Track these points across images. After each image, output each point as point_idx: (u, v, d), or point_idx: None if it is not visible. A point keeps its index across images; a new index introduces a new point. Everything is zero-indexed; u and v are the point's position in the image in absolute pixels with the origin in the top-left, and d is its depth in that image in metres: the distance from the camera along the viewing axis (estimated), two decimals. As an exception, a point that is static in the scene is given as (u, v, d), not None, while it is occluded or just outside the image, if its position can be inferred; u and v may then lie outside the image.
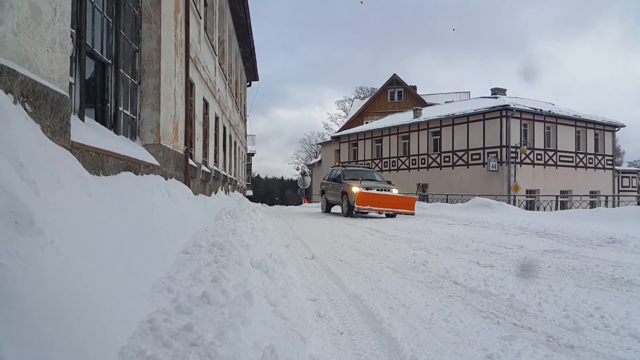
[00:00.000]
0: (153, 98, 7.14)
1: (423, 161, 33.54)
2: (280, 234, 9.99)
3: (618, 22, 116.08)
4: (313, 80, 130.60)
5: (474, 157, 29.63)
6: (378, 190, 16.41)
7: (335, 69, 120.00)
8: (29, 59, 3.27)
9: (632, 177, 37.37)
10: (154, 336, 2.26)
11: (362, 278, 5.41)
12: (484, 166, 28.56)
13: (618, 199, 25.89)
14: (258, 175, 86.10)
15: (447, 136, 31.65)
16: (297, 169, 55.78)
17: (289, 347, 2.55)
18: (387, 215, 16.57)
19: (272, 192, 79.91)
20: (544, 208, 23.22)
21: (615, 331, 3.49)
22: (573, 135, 30.88)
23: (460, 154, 30.59)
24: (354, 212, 16.45)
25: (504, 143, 27.69)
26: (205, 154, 13.03)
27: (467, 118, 30.01)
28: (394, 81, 50.62)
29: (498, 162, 27.71)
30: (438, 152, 32.31)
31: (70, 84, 4.67)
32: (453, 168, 31.09)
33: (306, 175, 43.99)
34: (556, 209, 22.28)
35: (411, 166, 34.58)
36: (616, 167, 34.71)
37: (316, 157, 58.23)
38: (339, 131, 49.47)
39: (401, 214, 16.34)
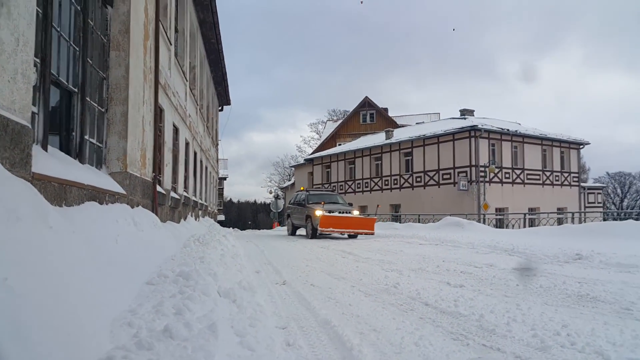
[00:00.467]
0: (120, 126, 7.07)
1: (395, 182, 33.81)
2: (251, 260, 9.89)
3: (581, 44, 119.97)
4: (287, 104, 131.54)
5: (445, 176, 30.03)
6: (340, 212, 17.39)
7: (308, 92, 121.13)
8: (-13, 90, 3.22)
9: (598, 193, 38.28)
10: (113, 374, 2.20)
11: (333, 303, 5.37)
12: (454, 185, 28.95)
13: (584, 215, 26.44)
14: (230, 199, 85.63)
15: (418, 157, 32.04)
16: (270, 192, 55.70)
17: (255, 379, 2.51)
18: (349, 236, 17.58)
19: (244, 216, 79.44)
20: (513, 226, 23.57)
21: (581, 349, 3.53)
22: (539, 154, 31.59)
23: (431, 174, 30.96)
24: (317, 234, 17.27)
25: (473, 162, 28.17)
26: (174, 180, 12.91)
27: (437, 139, 30.48)
28: (366, 103, 51.26)
29: (468, 182, 28.13)
30: (410, 173, 32.64)
31: (34, 113, 4.59)
32: (425, 188, 31.42)
33: (279, 199, 43.85)
34: (524, 226, 22.66)
35: (384, 187, 34.81)
36: (582, 184, 35.55)
37: (289, 180, 58.19)
38: (312, 153, 49.63)
39: (362, 234, 17.25)
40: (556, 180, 32.41)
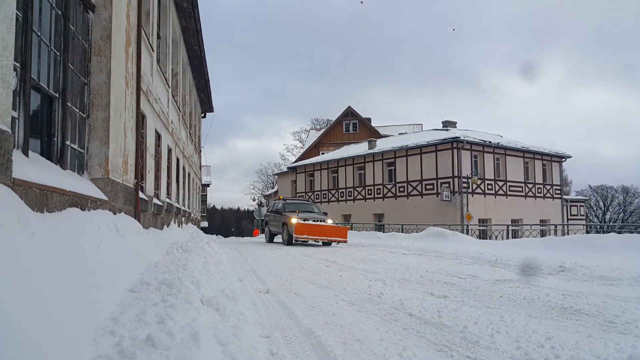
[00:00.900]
0: (102, 132, 6.98)
1: (379, 191, 33.90)
2: (235, 268, 9.82)
3: (563, 59, 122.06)
4: (270, 111, 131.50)
5: (428, 187, 30.20)
6: (314, 220, 18.23)
7: (292, 100, 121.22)
8: (-34, 93, 3.15)
9: (580, 205, 38.83)
10: (94, 384, 2.15)
11: (316, 312, 5.35)
12: (437, 196, 29.11)
13: (567, 227, 26.76)
14: (214, 206, 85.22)
15: (401, 167, 32.19)
16: (254, 200, 55.51)
17: (239, 390, 2.47)
18: (323, 244, 18.45)
19: (228, 223, 79.03)
20: (496, 237, 23.76)
21: (565, 361, 3.55)
22: (522, 166, 31.96)
23: (414, 184, 31.12)
24: (293, 241, 18.13)
25: (455, 174, 28.38)
26: (157, 186, 12.79)
27: (420, 149, 30.67)
28: (349, 113, 51.46)
29: (451, 192, 28.31)
30: (393, 183, 32.77)
31: (14, 118, 4.51)
32: (408, 198, 31.55)
33: (263, 206, 43.61)
34: (507, 237, 22.84)
35: (367, 196, 34.89)
36: (564, 197, 35.99)
37: (273, 188, 58.07)
38: (295, 162, 49.58)
39: (335, 241, 18.17)
40: (539, 193, 32.78)
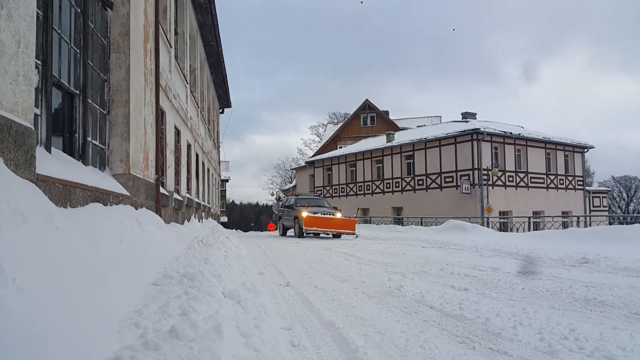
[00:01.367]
0: (122, 127, 7.06)
1: (397, 185, 33.75)
2: (255, 261, 9.87)
3: (585, 47, 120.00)
4: (288, 106, 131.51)
5: (447, 180, 29.96)
6: (323, 214, 19.31)
7: (309, 95, 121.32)
8: (-10, 91, 3.21)
9: (603, 197, 38.21)
10: (120, 375, 2.18)
11: (337, 305, 5.35)
12: (457, 189, 28.87)
13: (590, 219, 26.35)
14: (233, 201, 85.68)
15: (420, 160, 31.97)
16: (272, 195, 55.72)
17: (261, 381, 2.49)
18: (333, 235, 19.54)
19: (247, 218, 79.47)
20: (517, 229, 23.50)
21: (590, 353, 3.49)
22: (543, 157, 31.52)
23: (433, 177, 30.90)
24: (304, 234, 19.29)
25: (475, 166, 28.10)
26: (177, 181, 12.90)
27: (439, 142, 30.41)
28: (367, 106, 51.27)
29: (471, 185, 28.06)
30: (412, 176, 32.58)
31: (36, 115, 4.59)
32: (427, 191, 31.35)
33: (281, 201, 43.82)
34: (529, 230, 22.57)
35: (386, 190, 34.75)
36: (587, 188, 35.41)
37: (291, 182, 58.21)
38: (313, 156, 49.62)
39: (344, 234, 19.10)
40: (560, 184, 32.32)
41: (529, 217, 23.98)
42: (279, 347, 3.43)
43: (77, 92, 5.95)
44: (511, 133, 29.52)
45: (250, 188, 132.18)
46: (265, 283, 6.87)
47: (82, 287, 3.00)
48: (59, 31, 5.40)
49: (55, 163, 4.64)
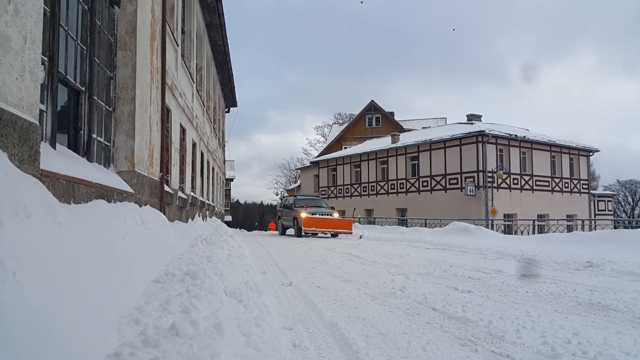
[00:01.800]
0: (128, 125, 7.07)
1: (402, 186, 33.71)
2: (258, 260, 9.87)
3: (592, 50, 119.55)
4: (294, 106, 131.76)
5: (452, 181, 29.91)
6: (321, 214, 20.09)
7: (315, 95, 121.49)
8: (-4, 86, 3.21)
9: (608, 200, 38.08)
10: (119, 371, 2.18)
11: (339, 305, 5.34)
12: (461, 191, 28.81)
13: (594, 222, 26.23)
14: (237, 200, 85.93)
15: (424, 161, 31.93)
16: (276, 194, 55.83)
17: (261, 380, 2.48)
18: (332, 235, 20.35)
19: (251, 217, 79.62)
20: (522, 232, 23.44)
21: (593, 358, 3.45)
22: (548, 160, 31.42)
23: (438, 178, 30.85)
24: (302, 234, 19.88)
25: (480, 168, 28.04)
26: (182, 180, 12.92)
27: (444, 143, 30.37)
28: (372, 107, 51.23)
29: (475, 187, 27.99)
30: (416, 177, 32.54)
31: (42, 111, 4.59)
32: (431, 193, 31.31)
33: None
34: (533, 233, 22.50)
35: (390, 191, 34.72)
36: (592, 191, 35.28)
37: (295, 182, 58.23)
38: (318, 156, 49.59)
39: (341, 233, 20.13)
40: (565, 187, 32.20)
41: (534, 220, 23.92)
42: (280, 347, 3.42)
43: (83, 88, 5.96)
44: (516, 135, 29.43)
45: (255, 187, 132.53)
46: (268, 282, 6.87)
47: (84, 283, 3.00)
48: (66, 28, 5.41)
49: (59, 159, 4.65)
